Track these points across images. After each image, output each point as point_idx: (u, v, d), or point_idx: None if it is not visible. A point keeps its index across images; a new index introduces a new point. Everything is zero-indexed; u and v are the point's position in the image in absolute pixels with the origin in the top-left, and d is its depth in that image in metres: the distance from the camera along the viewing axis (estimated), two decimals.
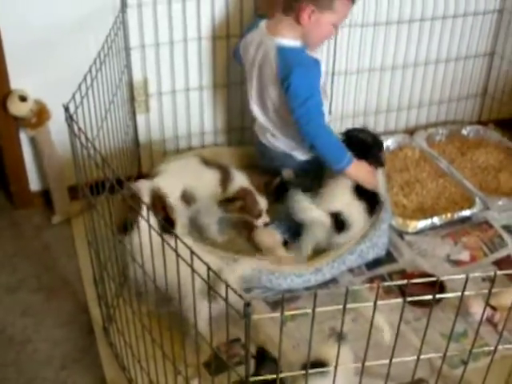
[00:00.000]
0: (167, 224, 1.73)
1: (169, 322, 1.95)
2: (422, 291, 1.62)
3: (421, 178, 3.42)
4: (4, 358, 2.50)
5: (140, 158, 3.31)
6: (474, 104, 3.95)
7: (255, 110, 2.99)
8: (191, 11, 3.06)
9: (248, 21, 3.12)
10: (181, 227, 2.60)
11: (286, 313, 1.44)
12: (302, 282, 2.71)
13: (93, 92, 2.23)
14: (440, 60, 3.69)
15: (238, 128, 3.41)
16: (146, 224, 1.71)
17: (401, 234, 3.07)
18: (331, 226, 2.76)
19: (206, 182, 2.80)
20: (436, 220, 3.10)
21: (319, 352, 1.99)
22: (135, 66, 3.09)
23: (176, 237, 1.55)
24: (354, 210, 2.84)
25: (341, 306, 1.45)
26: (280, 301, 2.63)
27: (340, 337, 1.99)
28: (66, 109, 1.96)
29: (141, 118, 3.25)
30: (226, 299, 1.41)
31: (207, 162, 2.85)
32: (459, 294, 1.54)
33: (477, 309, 2.55)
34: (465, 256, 2.98)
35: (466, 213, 3.16)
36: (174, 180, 2.75)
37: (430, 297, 1.56)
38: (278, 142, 3.01)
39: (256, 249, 2.89)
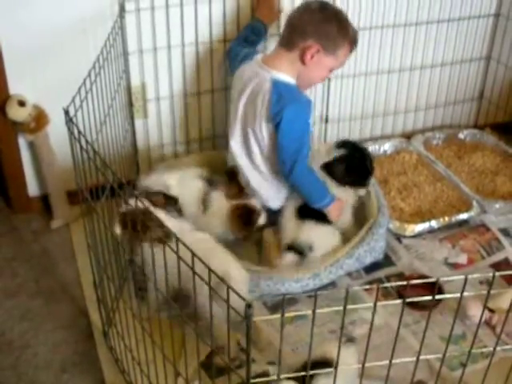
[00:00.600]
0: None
1: (170, 326, 1.96)
2: (420, 294, 1.63)
3: (418, 182, 3.43)
4: (3, 363, 2.50)
5: (138, 163, 3.31)
6: (470, 108, 3.96)
7: (235, 149, 2.91)
8: (189, 16, 3.07)
9: (244, 25, 3.15)
10: None
11: (287, 315, 1.44)
12: (299, 286, 2.71)
13: (92, 96, 2.24)
14: (436, 64, 3.70)
15: None
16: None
17: (398, 238, 3.08)
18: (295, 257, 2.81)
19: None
20: (433, 223, 3.11)
21: (324, 350, 2.00)
22: (133, 70, 3.10)
23: (177, 239, 1.56)
24: (307, 231, 2.85)
25: (341, 308, 1.46)
26: (278, 304, 2.64)
27: (350, 340, 2.00)
28: (66, 112, 1.97)
29: (139, 123, 3.25)
30: (227, 301, 1.42)
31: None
32: (458, 295, 1.54)
33: (475, 311, 2.56)
34: (462, 259, 2.99)
35: (464, 216, 3.16)
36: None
37: (429, 298, 1.56)
38: (253, 189, 2.93)
39: (257, 252, 2.92)
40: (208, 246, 2.40)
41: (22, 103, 2.94)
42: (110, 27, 2.71)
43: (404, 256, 2.99)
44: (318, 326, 2.50)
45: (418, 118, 3.85)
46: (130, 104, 3.16)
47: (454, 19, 3.56)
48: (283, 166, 2.78)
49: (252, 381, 1.53)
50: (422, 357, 1.65)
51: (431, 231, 3.12)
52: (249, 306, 1.34)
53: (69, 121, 1.96)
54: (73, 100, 2.04)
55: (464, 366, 1.83)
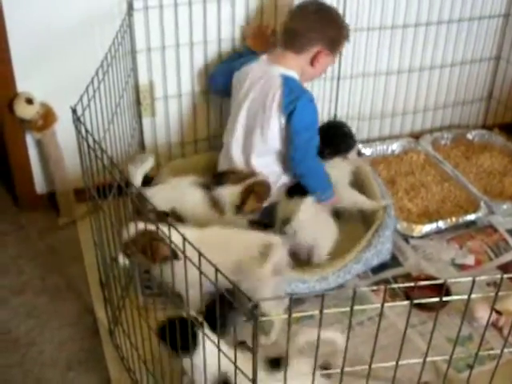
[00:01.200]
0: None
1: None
2: (427, 295, 1.62)
3: (426, 182, 3.42)
4: (9, 360, 2.50)
5: None
6: (479, 108, 3.95)
7: (237, 156, 2.96)
8: (197, 15, 3.07)
9: (251, 22, 3.17)
10: None
11: (294, 315, 1.43)
12: (306, 288, 2.70)
13: (99, 95, 2.24)
14: (445, 64, 3.69)
15: None
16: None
17: (406, 238, 3.07)
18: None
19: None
20: (441, 224, 3.10)
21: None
22: (141, 69, 3.09)
23: (184, 239, 1.55)
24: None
25: (348, 309, 1.45)
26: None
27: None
28: (74, 111, 1.97)
29: (147, 122, 3.25)
30: (233, 301, 1.42)
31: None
32: (466, 296, 1.54)
33: (482, 313, 2.55)
34: (470, 260, 2.98)
35: (471, 217, 3.16)
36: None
37: (436, 299, 1.55)
38: None
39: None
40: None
41: (29, 101, 2.95)
42: (119, 25, 2.71)
43: (411, 256, 2.99)
44: (324, 326, 2.49)
45: (426, 118, 3.84)
46: (138, 102, 3.16)
47: (464, 19, 3.55)
48: (295, 153, 2.85)
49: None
50: (428, 358, 1.64)
51: (438, 232, 3.11)
52: (255, 306, 1.34)
53: (76, 120, 1.96)
54: (80, 99, 2.04)
55: (471, 367, 1.82)
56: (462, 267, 2.94)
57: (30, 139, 3.13)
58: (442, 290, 1.56)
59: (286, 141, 2.87)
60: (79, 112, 1.99)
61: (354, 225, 3.03)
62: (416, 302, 1.53)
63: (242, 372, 1.56)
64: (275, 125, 2.84)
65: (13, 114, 2.97)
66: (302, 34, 2.86)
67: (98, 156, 1.91)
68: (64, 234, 3.14)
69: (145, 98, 3.18)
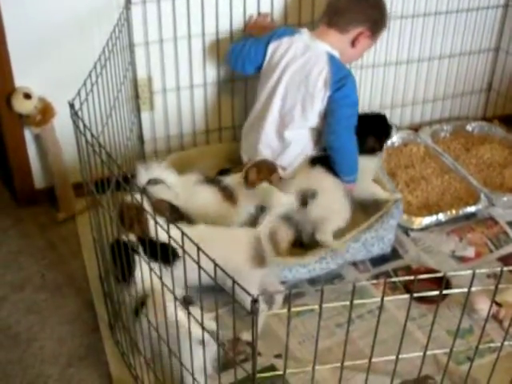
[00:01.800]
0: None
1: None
2: (427, 287, 1.62)
3: (426, 175, 3.42)
4: (10, 356, 2.49)
5: (145, 155, 3.31)
6: (478, 100, 3.95)
7: (269, 128, 2.96)
8: (195, 8, 3.06)
9: (249, 16, 3.17)
10: None
11: (293, 309, 1.43)
12: (307, 271, 2.70)
13: (97, 89, 2.23)
14: (444, 55, 3.68)
15: (242, 124, 3.40)
16: None
17: (406, 231, 3.07)
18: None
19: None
20: (441, 216, 3.09)
21: None
22: (139, 62, 3.09)
23: (183, 234, 1.55)
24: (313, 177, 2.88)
25: (347, 302, 1.45)
26: (285, 297, 2.62)
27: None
28: (72, 105, 1.96)
29: (145, 115, 3.25)
30: (232, 295, 1.41)
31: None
32: (466, 289, 1.53)
33: (482, 305, 2.55)
34: (470, 252, 2.97)
35: (471, 209, 3.15)
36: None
37: (436, 293, 1.55)
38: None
39: None
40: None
41: (27, 96, 2.94)
42: (116, 19, 2.70)
43: (411, 249, 2.98)
44: (324, 319, 2.50)
45: (425, 110, 3.84)
46: (136, 96, 3.16)
47: (462, 10, 3.55)
48: (336, 126, 2.87)
49: (258, 375, 1.52)
50: (429, 352, 1.64)
51: (438, 224, 3.10)
52: (255, 301, 1.33)
53: (74, 114, 1.95)
54: (78, 93, 2.03)
55: (471, 360, 1.81)
56: (462, 259, 2.94)
57: (28, 134, 3.12)
58: (442, 282, 1.56)
59: (327, 114, 2.88)
60: (77, 106, 1.99)
61: (356, 214, 3.01)
62: (416, 295, 1.52)
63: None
64: (319, 100, 2.87)
65: (11, 109, 2.96)
66: (349, 13, 2.90)
67: (96, 151, 1.90)
68: (63, 229, 3.13)
69: (143, 92, 3.18)
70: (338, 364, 1.59)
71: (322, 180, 2.87)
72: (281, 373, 1.57)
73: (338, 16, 2.91)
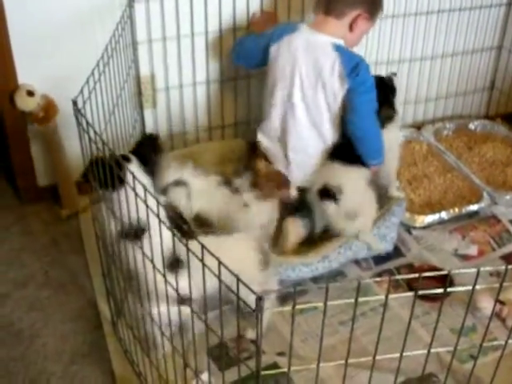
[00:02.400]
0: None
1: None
2: (430, 285, 1.61)
3: (428, 173, 3.42)
4: (12, 353, 2.50)
5: None
6: (481, 98, 3.94)
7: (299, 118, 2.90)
8: (198, 5, 3.06)
9: (253, 12, 3.17)
10: None
11: (297, 307, 1.42)
12: (309, 270, 2.71)
13: (100, 86, 2.23)
14: (447, 54, 3.68)
15: (245, 122, 3.41)
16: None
17: (408, 229, 3.07)
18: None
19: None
20: (444, 214, 3.09)
21: None
22: (142, 60, 3.09)
23: (191, 235, 1.55)
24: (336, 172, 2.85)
25: (352, 300, 1.45)
26: (288, 295, 2.62)
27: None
28: (75, 103, 1.96)
29: (148, 113, 3.25)
30: (237, 294, 1.41)
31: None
32: (470, 287, 1.53)
33: (485, 303, 2.55)
34: (472, 250, 2.97)
35: (474, 207, 3.15)
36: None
37: (440, 290, 1.55)
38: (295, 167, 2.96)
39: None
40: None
41: (30, 93, 2.94)
42: (119, 17, 2.70)
43: (414, 247, 2.98)
44: (328, 317, 2.48)
45: (428, 108, 3.84)
46: (139, 94, 3.16)
47: (465, 8, 3.54)
48: (356, 115, 2.82)
49: (262, 372, 1.52)
50: (433, 350, 1.63)
51: (441, 222, 3.11)
52: (260, 298, 1.33)
53: (77, 112, 1.95)
54: (81, 91, 2.03)
55: (475, 358, 1.81)
56: (464, 258, 2.94)
57: (31, 131, 3.12)
58: (446, 280, 1.56)
59: (346, 103, 2.83)
60: (80, 104, 1.99)
61: None
62: (421, 293, 1.52)
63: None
64: (339, 93, 2.82)
65: (14, 106, 2.96)
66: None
67: (99, 148, 1.90)
68: (66, 227, 3.14)
69: (146, 90, 3.18)
70: (343, 361, 1.58)
71: (345, 174, 2.84)
72: (285, 370, 1.57)
73: (333, 1, 2.83)
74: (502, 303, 2.57)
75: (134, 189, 1.79)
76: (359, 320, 2.56)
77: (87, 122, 1.92)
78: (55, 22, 2.89)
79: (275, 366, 2.35)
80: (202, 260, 1.53)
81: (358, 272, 2.83)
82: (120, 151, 2.50)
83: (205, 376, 2.14)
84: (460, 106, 3.91)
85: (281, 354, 2.42)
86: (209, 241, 2.37)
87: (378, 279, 2.76)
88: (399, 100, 3.61)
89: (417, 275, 1.49)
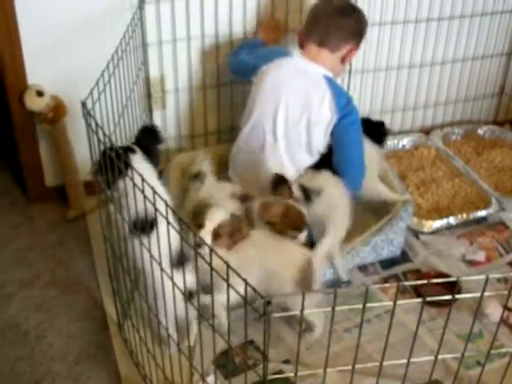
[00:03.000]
0: None
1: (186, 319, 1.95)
2: (437, 291, 1.61)
3: (436, 178, 3.41)
4: (18, 353, 2.50)
5: None
6: (490, 104, 3.93)
7: (277, 140, 2.86)
8: (209, 8, 3.06)
9: (264, 15, 3.17)
10: None
11: (305, 311, 1.42)
12: None
13: (110, 88, 2.23)
14: (457, 59, 3.67)
15: None
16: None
17: (416, 234, 3.06)
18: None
19: None
20: (452, 220, 3.09)
21: None
22: (152, 62, 3.09)
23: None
24: (320, 178, 2.83)
25: (359, 306, 1.44)
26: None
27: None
28: (84, 104, 1.96)
29: (157, 115, 3.25)
30: (245, 298, 1.41)
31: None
32: (478, 294, 1.52)
33: (492, 310, 2.54)
34: (480, 256, 2.97)
35: (482, 213, 3.15)
36: None
37: (449, 297, 1.54)
38: None
39: None
40: None
41: (40, 93, 2.94)
42: (130, 18, 2.70)
43: (421, 252, 2.98)
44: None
45: (437, 113, 3.83)
46: (149, 95, 3.16)
47: (476, 14, 3.54)
48: (347, 152, 2.86)
49: (270, 377, 1.52)
50: (440, 356, 1.63)
51: (449, 228, 3.10)
52: (268, 303, 1.33)
53: (86, 113, 1.95)
54: (91, 92, 2.03)
55: (481, 365, 1.80)
56: (472, 263, 2.93)
57: (40, 132, 3.12)
58: (455, 287, 1.55)
59: (335, 138, 2.83)
60: (89, 105, 1.99)
61: (366, 218, 3.00)
62: (429, 299, 1.51)
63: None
64: (324, 126, 2.81)
65: (23, 107, 2.97)
66: (337, 31, 2.83)
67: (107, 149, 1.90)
68: (73, 227, 3.14)
69: (155, 91, 3.18)
70: (349, 367, 1.58)
71: (326, 180, 2.82)
72: (292, 375, 1.57)
73: (327, 34, 2.82)
74: (510, 310, 2.56)
75: (141, 178, 1.76)
76: (364, 327, 2.53)
77: (96, 124, 1.92)
78: (65, 23, 2.90)
79: (281, 373, 2.34)
80: (210, 264, 1.52)
81: (362, 278, 2.82)
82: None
83: (211, 379, 2.14)
84: (469, 112, 3.90)
85: (286, 361, 2.41)
86: (262, 236, 2.44)
87: (386, 285, 2.76)
88: (408, 105, 3.64)
89: (425, 281, 1.48)
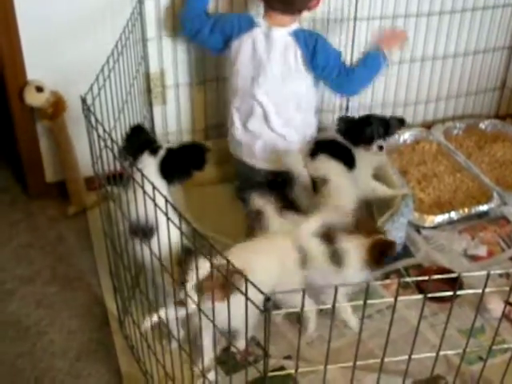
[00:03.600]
0: None
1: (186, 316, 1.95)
2: (439, 286, 1.61)
3: (438, 172, 3.40)
4: (19, 349, 2.50)
5: None
6: (491, 98, 3.92)
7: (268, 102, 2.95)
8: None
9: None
10: None
11: (306, 308, 1.42)
12: None
13: (110, 83, 2.22)
14: (458, 53, 3.66)
15: None
16: None
17: (417, 229, 3.05)
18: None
19: None
20: (453, 215, 3.08)
21: None
22: (152, 57, 3.08)
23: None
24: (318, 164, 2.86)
25: (360, 302, 1.44)
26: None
27: None
28: (84, 100, 1.95)
29: (157, 110, 3.24)
30: (245, 294, 1.40)
31: None
32: (480, 290, 1.52)
33: (494, 305, 2.53)
34: (482, 251, 2.96)
35: (484, 208, 3.14)
36: None
37: (451, 293, 1.54)
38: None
39: None
40: None
41: (39, 89, 2.94)
42: (129, 13, 2.70)
43: (423, 247, 2.97)
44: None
45: (438, 107, 3.82)
46: (149, 91, 3.15)
47: (477, 8, 3.52)
48: (335, 76, 2.93)
49: (269, 374, 1.51)
50: (442, 352, 1.62)
51: (451, 222, 3.09)
52: (268, 299, 1.32)
53: (86, 109, 1.94)
54: (91, 88, 2.02)
55: (483, 360, 1.80)
56: (474, 258, 2.93)
57: (40, 128, 3.12)
58: (456, 283, 1.54)
59: (320, 74, 2.93)
60: (89, 101, 1.98)
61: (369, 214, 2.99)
62: (431, 295, 1.51)
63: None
64: (309, 80, 2.93)
65: (23, 102, 2.96)
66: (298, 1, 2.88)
67: (107, 145, 1.89)
68: (74, 223, 3.13)
69: (155, 86, 3.17)
70: (351, 363, 1.58)
71: (329, 167, 2.83)
72: (292, 371, 1.56)
73: (291, 4, 2.85)
74: (511, 305, 2.56)
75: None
76: (365, 323, 2.55)
77: (96, 119, 1.91)
78: (65, 18, 2.89)
79: (282, 369, 2.34)
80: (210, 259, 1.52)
81: None
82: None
83: (211, 375, 2.14)
84: (470, 106, 3.89)
85: (287, 357, 2.41)
86: (245, 246, 2.34)
87: (387, 281, 2.75)
88: (409, 99, 3.63)
89: (426, 277, 1.48)
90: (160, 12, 3.00)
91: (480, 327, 2.55)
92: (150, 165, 2.37)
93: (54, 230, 3.10)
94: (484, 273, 1.48)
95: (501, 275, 2.77)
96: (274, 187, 2.78)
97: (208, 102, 3.32)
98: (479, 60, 3.74)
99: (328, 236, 2.39)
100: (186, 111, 3.31)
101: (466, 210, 3.11)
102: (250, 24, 2.89)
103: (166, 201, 1.70)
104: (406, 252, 2.94)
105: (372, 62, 2.95)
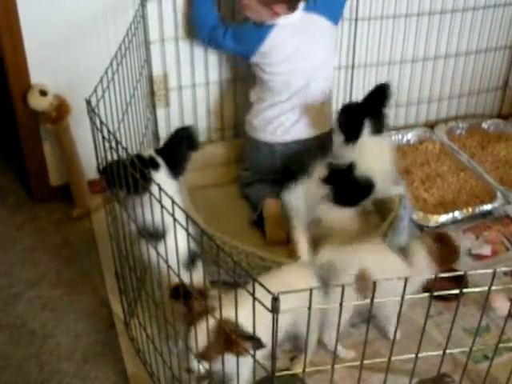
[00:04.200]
0: None
1: None
2: (444, 286, 1.61)
3: (441, 172, 3.40)
4: (26, 352, 2.50)
5: None
6: (494, 97, 3.93)
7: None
8: None
9: None
10: None
11: (313, 307, 1.42)
12: None
13: (114, 86, 2.23)
14: (460, 53, 3.66)
15: None
16: None
17: (422, 229, 3.05)
18: None
19: None
20: (457, 214, 3.08)
21: None
22: (155, 59, 3.08)
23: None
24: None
25: (368, 301, 1.44)
26: None
27: None
28: (88, 102, 1.96)
29: (161, 112, 3.24)
30: (253, 294, 1.40)
31: None
32: (485, 288, 1.52)
33: (499, 303, 2.54)
34: (486, 250, 2.96)
35: (487, 207, 3.14)
36: None
37: (456, 292, 1.54)
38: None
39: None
40: None
41: (43, 92, 2.94)
42: (132, 16, 2.70)
43: None
44: None
45: (441, 107, 3.82)
46: (152, 93, 3.15)
47: (479, 7, 3.53)
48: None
49: (277, 374, 1.51)
50: (448, 351, 1.63)
51: (455, 222, 3.09)
52: (275, 299, 1.32)
53: (91, 111, 1.95)
54: (95, 90, 2.02)
55: (489, 359, 1.80)
56: (478, 257, 2.93)
57: (44, 131, 3.12)
58: (462, 281, 1.55)
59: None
60: (93, 103, 1.98)
61: (369, 216, 3.00)
62: (437, 293, 1.51)
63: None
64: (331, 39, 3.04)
65: (26, 106, 2.97)
66: None
67: (112, 147, 1.90)
68: (78, 226, 3.14)
69: (159, 89, 3.17)
70: (358, 362, 1.58)
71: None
72: (300, 371, 1.56)
73: None
74: None
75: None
76: (371, 322, 2.55)
77: (101, 122, 1.92)
78: (68, 22, 2.89)
79: (288, 371, 2.33)
80: (216, 259, 1.52)
81: None
82: (133, 150, 2.50)
83: None
84: (473, 105, 3.89)
85: (293, 359, 2.40)
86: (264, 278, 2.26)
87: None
88: (412, 99, 3.62)
89: (433, 276, 1.48)
90: (162, 15, 3.00)
91: (485, 326, 2.55)
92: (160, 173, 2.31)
93: (59, 232, 3.10)
94: (490, 271, 1.48)
95: (506, 274, 2.78)
96: (289, 177, 2.81)
97: (211, 105, 3.33)
98: (481, 59, 3.74)
99: None
100: (189, 113, 3.31)
101: (470, 209, 3.10)
102: (263, 30, 2.89)
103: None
104: None
105: None
